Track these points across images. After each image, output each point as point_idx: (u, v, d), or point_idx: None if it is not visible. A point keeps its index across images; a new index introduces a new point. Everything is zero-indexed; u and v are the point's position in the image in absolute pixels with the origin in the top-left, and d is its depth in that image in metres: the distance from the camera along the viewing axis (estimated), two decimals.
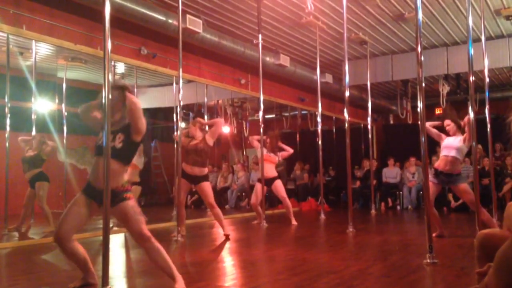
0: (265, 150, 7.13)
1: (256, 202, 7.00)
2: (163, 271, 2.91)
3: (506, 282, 0.96)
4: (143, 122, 2.87)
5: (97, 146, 2.92)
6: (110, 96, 2.79)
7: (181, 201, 5.58)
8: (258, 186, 7.01)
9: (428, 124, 5.12)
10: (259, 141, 7.10)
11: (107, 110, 2.76)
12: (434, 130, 5.40)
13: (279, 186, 7.21)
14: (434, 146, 9.97)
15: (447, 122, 5.32)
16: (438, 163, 5.25)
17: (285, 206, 7.30)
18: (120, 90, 2.90)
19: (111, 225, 4.78)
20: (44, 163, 6.27)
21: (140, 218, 2.88)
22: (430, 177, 5.24)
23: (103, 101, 2.76)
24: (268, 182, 7.08)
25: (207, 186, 5.46)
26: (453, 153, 5.16)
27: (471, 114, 5.03)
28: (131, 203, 2.87)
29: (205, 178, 5.48)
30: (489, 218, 5.08)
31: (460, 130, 5.29)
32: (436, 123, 5.51)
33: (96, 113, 3.00)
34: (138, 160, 6.39)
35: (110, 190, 2.74)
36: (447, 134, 5.36)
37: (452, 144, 5.19)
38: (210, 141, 5.51)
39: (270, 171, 7.13)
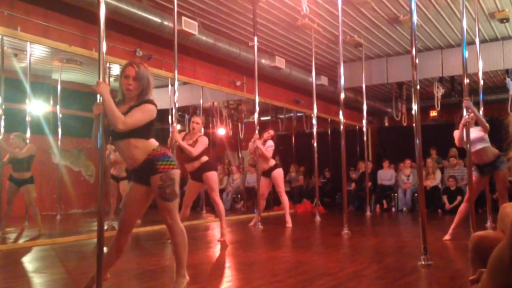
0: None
1: (262, 194, 7.02)
2: (175, 260, 2.84)
3: (500, 284, 0.96)
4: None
5: (110, 130, 2.76)
6: (127, 66, 2.78)
7: (187, 203, 5.44)
8: (262, 180, 7.05)
9: (460, 132, 5.10)
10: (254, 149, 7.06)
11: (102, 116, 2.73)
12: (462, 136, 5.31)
13: (278, 177, 7.10)
14: (429, 148, 10.05)
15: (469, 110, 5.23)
16: (474, 159, 5.18)
17: (282, 203, 7.27)
18: (139, 66, 2.83)
19: (105, 227, 4.76)
20: (36, 162, 6.17)
21: (165, 204, 2.72)
22: (475, 173, 5.20)
23: (98, 102, 2.74)
24: (267, 173, 7.06)
25: (212, 177, 5.24)
26: (478, 145, 5.11)
27: (466, 117, 5.05)
28: (159, 182, 2.69)
29: (208, 166, 5.24)
30: None
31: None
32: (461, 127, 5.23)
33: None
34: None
35: (140, 167, 2.68)
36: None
37: (475, 137, 5.11)
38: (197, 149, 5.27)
39: (265, 162, 7.09)
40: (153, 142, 2.81)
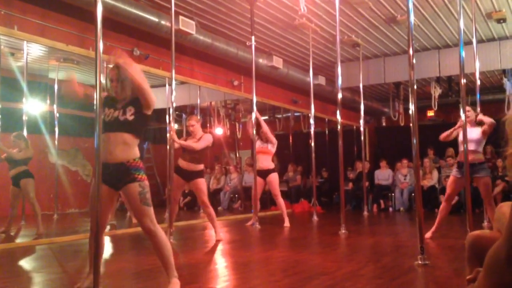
0: (260, 142, 7.11)
1: (255, 195, 7.00)
2: (162, 267, 2.87)
3: (496, 283, 0.97)
4: (150, 92, 2.81)
5: (104, 122, 2.80)
6: (110, 70, 2.81)
7: (175, 197, 5.52)
8: (258, 180, 7.01)
9: (449, 132, 5.19)
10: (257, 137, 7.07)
11: (99, 110, 2.73)
12: (454, 134, 5.37)
13: (274, 181, 7.07)
14: (426, 148, 10.07)
15: (467, 108, 5.24)
16: (460, 156, 5.21)
17: (278, 205, 7.27)
18: (117, 67, 2.86)
19: None
20: (33, 161, 6.17)
21: (146, 208, 2.76)
22: (454, 171, 5.23)
23: (95, 102, 2.74)
24: (263, 174, 7.03)
25: (201, 183, 5.37)
26: (472, 146, 5.13)
27: (463, 117, 5.06)
28: (138, 189, 2.75)
29: (199, 174, 5.38)
30: None
31: (477, 122, 5.27)
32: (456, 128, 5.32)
33: (76, 88, 3.01)
34: None
35: (118, 161, 2.70)
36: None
37: (471, 137, 5.14)
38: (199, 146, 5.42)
39: (266, 162, 7.07)
40: (136, 151, 2.87)
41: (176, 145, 5.37)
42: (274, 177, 7.10)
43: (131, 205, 2.83)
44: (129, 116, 2.81)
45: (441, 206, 5.34)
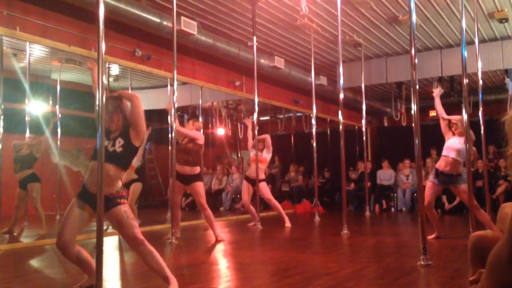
0: (254, 152, 7.11)
1: (246, 201, 6.99)
2: (157, 274, 2.91)
3: (499, 283, 0.96)
4: (144, 126, 2.96)
5: (95, 150, 2.88)
6: (105, 102, 2.81)
7: (176, 202, 5.57)
8: (245, 184, 7.04)
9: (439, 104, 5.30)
10: (253, 145, 7.08)
11: (101, 113, 2.74)
12: (440, 107, 5.42)
13: (262, 189, 7.02)
14: (428, 148, 10.05)
15: (458, 118, 5.30)
16: (439, 163, 5.24)
17: (273, 207, 7.27)
18: (117, 98, 2.99)
19: (104, 227, 4.76)
20: (36, 162, 6.21)
21: (133, 222, 2.90)
22: (431, 177, 5.26)
23: (97, 102, 2.74)
24: (252, 182, 7.03)
25: (199, 186, 5.44)
26: (453, 154, 5.15)
27: (465, 116, 5.06)
28: (124, 208, 2.89)
29: (197, 178, 5.45)
30: (487, 219, 5.09)
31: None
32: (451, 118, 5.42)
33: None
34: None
35: (103, 194, 2.73)
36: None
37: (453, 146, 5.17)
38: (198, 141, 5.51)
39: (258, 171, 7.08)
40: (119, 184, 2.96)
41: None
42: (262, 186, 7.03)
43: (121, 223, 2.90)
44: (118, 148, 2.90)
45: (428, 215, 5.12)
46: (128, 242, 2.93)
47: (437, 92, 5.56)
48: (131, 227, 2.89)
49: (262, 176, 7.13)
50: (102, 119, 2.73)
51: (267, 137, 7.17)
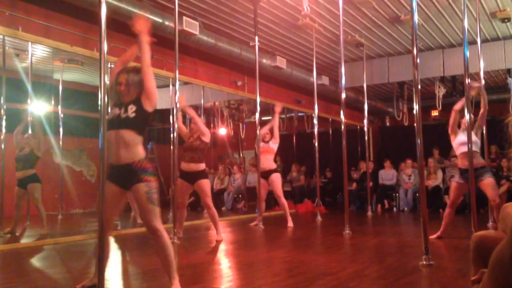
0: (263, 144, 7.12)
1: (261, 198, 7.01)
2: (164, 269, 2.88)
3: (501, 283, 0.96)
4: (156, 92, 2.91)
5: (109, 120, 2.84)
6: (126, 74, 2.88)
7: (183, 203, 5.53)
8: (262, 182, 7.03)
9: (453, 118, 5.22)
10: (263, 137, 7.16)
11: (103, 111, 2.74)
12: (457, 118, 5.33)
13: (276, 180, 7.05)
14: (430, 148, 10.04)
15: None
16: (461, 162, 5.17)
17: (281, 206, 7.27)
18: (139, 72, 2.96)
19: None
20: (38, 162, 6.21)
21: (152, 207, 2.79)
22: (456, 178, 5.20)
23: (99, 102, 2.74)
24: (265, 174, 7.04)
25: (205, 185, 5.39)
26: (472, 147, 5.11)
27: (467, 116, 5.05)
28: (146, 188, 2.79)
29: (203, 174, 5.40)
30: None
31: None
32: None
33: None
34: None
35: (124, 162, 2.71)
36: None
37: (466, 140, 5.12)
38: (205, 138, 5.48)
39: (267, 162, 7.06)
40: (141, 151, 2.88)
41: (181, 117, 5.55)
42: (276, 177, 7.08)
43: (138, 204, 2.86)
44: (131, 114, 2.85)
45: (446, 212, 5.30)
46: (146, 227, 2.87)
47: (458, 106, 5.38)
48: (148, 212, 2.80)
49: (273, 166, 7.14)
50: (103, 118, 2.72)
51: (276, 126, 7.20)
